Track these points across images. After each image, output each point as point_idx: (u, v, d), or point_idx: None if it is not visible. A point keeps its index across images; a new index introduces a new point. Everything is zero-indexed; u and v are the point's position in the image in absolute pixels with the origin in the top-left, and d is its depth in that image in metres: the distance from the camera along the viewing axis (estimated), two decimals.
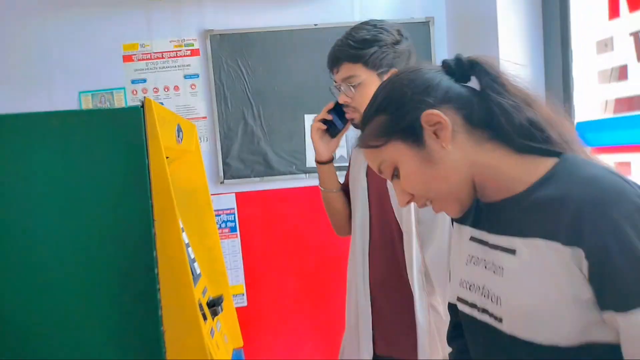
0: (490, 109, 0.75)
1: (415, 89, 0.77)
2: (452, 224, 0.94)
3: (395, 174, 0.80)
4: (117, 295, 0.86)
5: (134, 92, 2.16)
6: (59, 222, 0.86)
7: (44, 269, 0.87)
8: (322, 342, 2.21)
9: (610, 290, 0.64)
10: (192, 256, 1.35)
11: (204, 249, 1.38)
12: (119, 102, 2.13)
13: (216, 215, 2.24)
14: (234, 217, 2.26)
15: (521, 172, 0.74)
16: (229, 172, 2.23)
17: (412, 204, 1.23)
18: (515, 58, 1.85)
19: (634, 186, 0.66)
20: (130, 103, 2.14)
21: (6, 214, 0.86)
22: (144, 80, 2.16)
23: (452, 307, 0.93)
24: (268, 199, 2.26)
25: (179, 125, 1.13)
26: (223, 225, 2.26)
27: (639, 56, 1.46)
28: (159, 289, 0.86)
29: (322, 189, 1.49)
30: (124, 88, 2.15)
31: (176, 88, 2.19)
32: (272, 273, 2.28)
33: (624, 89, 1.55)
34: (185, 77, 2.19)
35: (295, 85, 2.22)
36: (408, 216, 1.25)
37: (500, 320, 0.76)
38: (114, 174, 0.85)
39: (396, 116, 0.77)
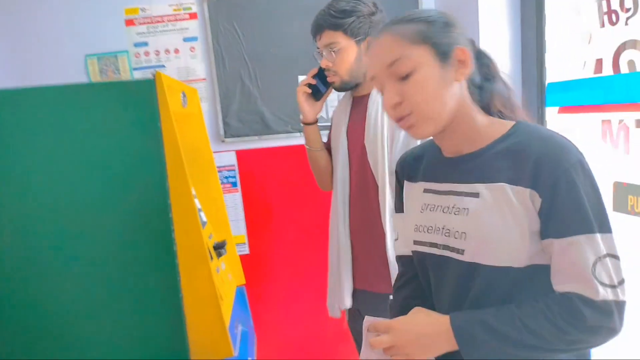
0: (482, 84, 0.94)
1: (459, 30, 0.91)
2: (403, 185, 1.07)
3: (404, 76, 0.88)
4: (137, 236, 1.05)
5: (137, 55, 2.28)
6: (85, 183, 1.03)
7: (74, 225, 1.05)
8: (315, 283, 2.44)
9: (553, 220, 0.83)
10: (199, 206, 1.53)
11: (208, 200, 1.57)
12: (122, 64, 2.27)
13: (219, 172, 2.42)
14: (235, 173, 2.44)
15: (487, 130, 0.92)
16: (229, 131, 2.39)
17: (386, 163, 1.41)
18: (494, 23, 1.97)
19: (573, 144, 0.85)
20: (134, 65, 2.27)
21: (34, 183, 1.02)
22: (146, 44, 2.28)
23: (400, 259, 1.09)
24: (266, 156, 2.43)
25: (183, 92, 1.28)
26: (225, 180, 2.43)
27: (601, 23, 1.60)
28: (174, 230, 1.05)
29: (307, 147, 1.66)
30: (127, 51, 2.27)
31: (176, 51, 2.31)
32: (271, 224, 2.47)
33: (591, 52, 1.68)
34: (185, 39, 2.31)
35: (289, 48, 2.34)
36: (383, 170, 1.43)
37: (461, 252, 0.91)
38: (133, 138, 1.02)
39: (441, 32, 0.88)
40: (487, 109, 0.95)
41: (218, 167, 2.40)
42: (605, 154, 1.63)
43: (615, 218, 1.58)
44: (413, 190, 1.02)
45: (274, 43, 2.34)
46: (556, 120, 1.88)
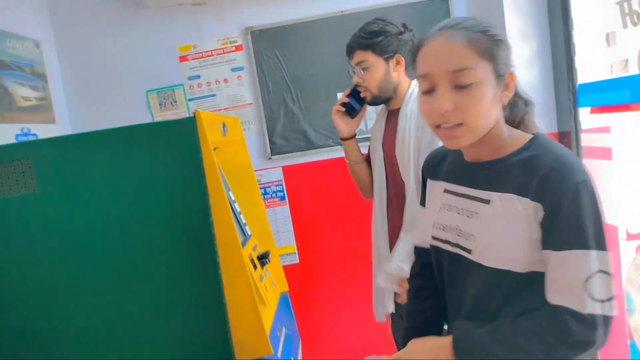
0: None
1: (511, 54, 0.96)
2: (426, 182, 1.17)
3: (463, 86, 0.90)
4: (186, 253, 1.24)
5: (191, 87, 2.54)
6: (140, 212, 1.23)
7: (132, 246, 1.24)
8: (363, 290, 2.54)
9: (553, 233, 0.89)
10: (244, 221, 1.72)
11: (253, 215, 1.75)
12: (179, 96, 2.53)
13: (267, 187, 2.61)
14: (282, 187, 2.61)
15: (510, 140, 0.98)
16: (275, 149, 2.58)
17: (411, 172, 1.52)
18: (521, 28, 2.01)
19: (582, 165, 0.91)
20: (189, 97, 2.53)
21: (99, 215, 1.22)
22: (198, 77, 2.53)
23: (417, 250, 1.21)
24: (310, 170, 2.59)
25: (223, 123, 1.47)
26: (274, 195, 2.62)
27: (623, 23, 1.61)
28: (216, 244, 1.22)
29: (347, 161, 1.80)
30: (182, 85, 2.53)
31: (225, 80, 2.54)
32: (318, 234, 2.62)
33: (615, 54, 1.69)
34: (232, 70, 2.53)
35: (327, 68, 2.50)
36: (408, 179, 1.54)
37: (470, 251, 1.01)
38: (179, 168, 1.21)
39: (505, 54, 0.93)
40: (509, 120, 1.01)
41: (266, 182, 2.60)
42: None
43: None
44: (434, 188, 1.12)
45: (312, 65, 2.51)
46: (589, 120, 1.89)
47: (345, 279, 2.60)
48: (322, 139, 2.57)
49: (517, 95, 1.02)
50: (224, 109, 2.54)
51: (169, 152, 1.21)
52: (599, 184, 1.91)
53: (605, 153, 1.94)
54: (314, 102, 2.54)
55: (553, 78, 2.04)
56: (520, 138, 0.98)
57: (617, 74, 1.68)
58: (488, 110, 0.92)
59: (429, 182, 1.15)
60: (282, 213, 2.63)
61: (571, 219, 0.86)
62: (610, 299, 0.86)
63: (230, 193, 1.70)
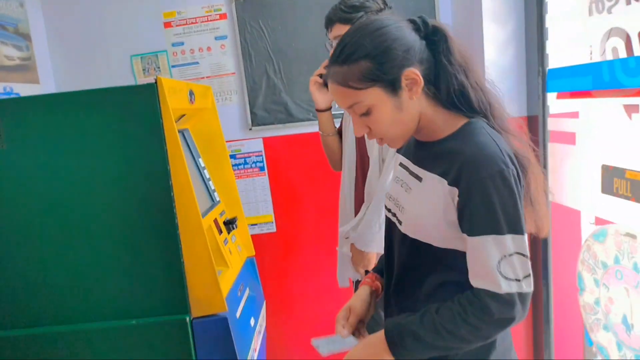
0: (438, 73, 0.97)
1: (401, 47, 0.92)
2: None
3: (365, 113, 0.95)
4: (146, 213, 1.30)
5: (175, 54, 2.56)
6: (100, 172, 1.29)
7: (90, 211, 1.31)
8: (334, 260, 2.63)
9: (466, 220, 0.95)
10: (213, 187, 1.78)
11: (222, 182, 1.81)
12: (162, 63, 2.56)
13: (247, 157, 2.67)
14: (262, 158, 2.66)
15: (443, 125, 1.02)
16: (256, 120, 2.62)
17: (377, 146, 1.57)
18: (497, 10, 2.03)
19: (504, 155, 0.93)
20: (172, 63, 2.56)
21: (47, 182, 1.28)
22: (182, 43, 2.55)
23: None
24: (290, 142, 2.63)
25: (190, 90, 1.52)
26: (253, 165, 2.67)
27: (589, 11, 1.64)
28: (175, 206, 1.29)
29: (321, 133, 1.85)
30: (166, 51, 2.56)
31: (209, 49, 2.56)
32: (296, 205, 2.69)
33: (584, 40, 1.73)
34: (216, 38, 2.55)
35: (311, 42, 2.51)
36: (372, 152, 1.61)
37: (401, 223, 1.09)
38: (140, 132, 1.27)
39: (384, 68, 0.91)
40: (453, 99, 1.00)
41: (247, 152, 2.65)
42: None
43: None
44: (396, 160, 1.19)
45: (295, 38, 2.52)
46: (560, 105, 1.94)
47: (319, 249, 2.69)
48: (303, 112, 2.61)
49: (457, 66, 0.98)
50: (207, 77, 2.57)
51: (131, 116, 1.26)
52: (562, 168, 1.97)
53: (569, 138, 2.00)
54: (296, 75, 2.57)
55: (525, 62, 2.08)
56: (454, 123, 1.01)
57: (585, 60, 1.72)
58: (397, 119, 0.96)
59: (395, 155, 1.22)
60: (261, 183, 2.69)
61: (481, 206, 0.90)
62: (526, 277, 0.92)
63: (200, 160, 1.76)
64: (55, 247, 1.32)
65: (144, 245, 1.32)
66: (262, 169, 2.67)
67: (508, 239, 0.91)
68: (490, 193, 0.90)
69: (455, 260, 0.99)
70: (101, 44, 2.54)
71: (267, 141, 2.63)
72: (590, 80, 1.69)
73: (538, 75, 2.02)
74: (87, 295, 1.34)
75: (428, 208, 1.00)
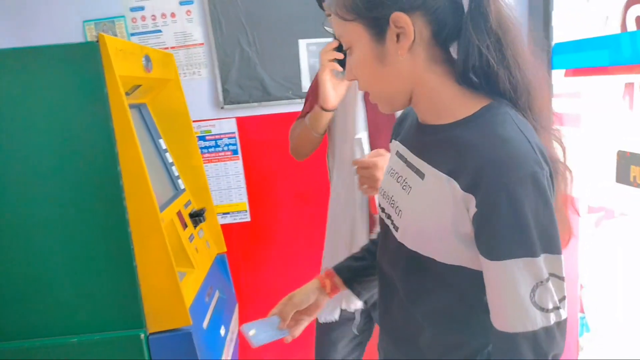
0: (460, 38, 0.75)
1: None
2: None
3: (349, 50, 0.81)
4: (88, 204, 1.05)
5: (134, 20, 2.25)
6: (31, 148, 1.03)
7: (20, 191, 1.05)
8: (315, 249, 2.43)
9: (486, 239, 0.72)
10: (176, 174, 1.53)
11: (187, 168, 1.55)
12: (120, 30, 2.25)
13: (218, 139, 2.41)
14: (236, 140, 2.41)
15: (454, 105, 0.78)
16: (229, 98, 2.35)
17: None
18: None
19: (537, 153, 0.71)
20: (131, 31, 2.25)
21: None
22: (142, 8, 2.24)
23: None
24: (267, 123, 2.39)
25: (146, 55, 1.25)
26: (225, 148, 2.42)
27: None
28: (124, 198, 1.04)
29: (314, 133, 1.44)
30: (124, 17, 2.25)
31: (173, 15, 2.26)
32: (272, 191, 2.46)
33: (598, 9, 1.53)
34: (181, 3, 2.25)
35: (288, 10, 2.25)
36: None
37: (397, 229, 0.87)
38: (79, 103, 1.00)
39: (369, 2, 0.75)
40: (472, 73, 0.76)
41: (218, 134, 2.39)
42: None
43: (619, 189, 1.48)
44: (393, 148, 0.97)
45: (271, 5, 2.25)
46: (561, 84, 1.75)
47: (297, 238, 2.47)
48: (281, 89, 2.35)
49: (490, 34, 0.74)
50: (171, 47, 2.28)
51: (67, 84, 1.00)
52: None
53: (574, 120, 1.82)
54: (272, 47, 2.30)
55: (527, 34, 1.88)
56: (469, 104, 0.78)
57: (597, 32, 1.53)
58: (378, 73, 0.79)
59: (392, 143, 1.00)
60: (234, 168, 2.44)
61: (510, 222, 0.70)
62: (562, 300, 0.73)
63: (161, 141, 1.50)
64: None
65: (88, 247, 1.07)
66: (235, 152, 2.42)
67: (543, 261, 0.70)
68: (521, 203, 0.68)
69: (463, 280, 0.79)
70: (50, 8, 2.21)
71: (241, 121, 2.38)
72: (606, 55, 1.50)
73: (542, 51, 1.82)
74: (20, 305, 1.08)
75: (432, 215, 0.78)
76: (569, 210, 0.87)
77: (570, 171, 0.84)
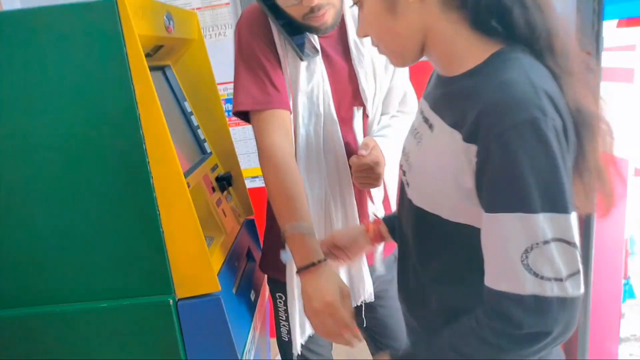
0: None
1: None
2: None
3: (360, 4, 0.80)
4: (111, 170, 1.02)
5: None
6: (48, 112, 0.99)
7: (40, 160, 1.02)
8: None
9: (484, 190, 0.69)
10: (202, 137, 1.49)
11: (213, 131, 1.51)
12: None
13: None
14: None
15: (466, 53, 0.75)
16: None
17: None
18: None
19: (542, 98, 0.65)
20: None
21: None
22: None
23: None
24: None
25: (168, 13, 1.19)
26: None
27: None
28: (148, 162, 1.01)
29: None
30: None
31: None
32: None
33: None
34: None
35: None
36: None
37: (408, 184, 0.86)
38: (95, 65, 0.96)
39: None
40: (477, 19, 0.72)
41: None
42: None
43: None
44: (418, 108, 0.93)
45: None
46: (613, 37, 1.60)
47: None
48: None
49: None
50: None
51: (86, 45, 0.96)
52: (616, 111, 1.67)
53: (626, 75, 1.68)
54: None
55: None
56: (479, 52, 0.74)
57: None
58: (391, 29, 0.77)
59: (420, 101, 0.95)
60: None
61: (503, 171, 0.65)
62: (573, 275, 0.65)
63: (186, 104, 1.46)
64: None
65: (114, 212, 1.05)
66: None
67: (542, 220, 0.64)
68: (515, 152, 0.64)
69: (470, 240, 0.74)
70: None
71: None
72: None
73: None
74: (50, 270, 1.08)
75: (436, 169, 0.76)
76: (611, 171, 0.79)
77: (609, 126, 0.76)
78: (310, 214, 1.11)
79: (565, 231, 0.65)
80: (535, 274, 0.64)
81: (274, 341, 1.49)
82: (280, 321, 1.41)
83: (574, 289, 0.65)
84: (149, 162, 1.00)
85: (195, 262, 1.08)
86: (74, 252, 1.07)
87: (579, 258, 0.66)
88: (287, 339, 1.39)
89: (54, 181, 1.03)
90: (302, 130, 1.20)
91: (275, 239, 1.25)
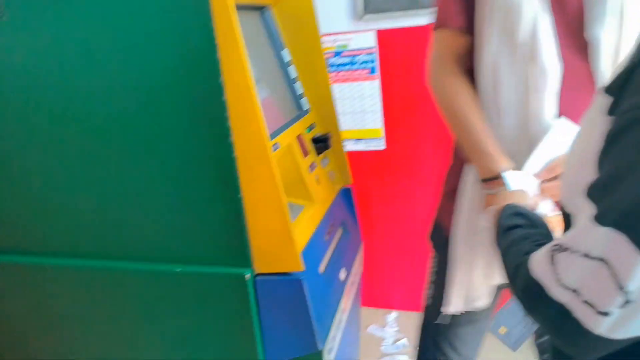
0: None
1: None
2: None
3: None
4: (190, 126, 0.90)
5: None
6: (129, 68, 0.89)
7: (119, 116, 0.94)
8: None
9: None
10: (300, 92, 1.32)
11: (313, 85, 1.33)
12: None
13: (354, 55, 2.14)
14: (374, 57, 2.12)
15: None
16: (370, 6, 2.03)
17: None
18: None
19: None
20: None
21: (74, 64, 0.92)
22: None
23: None
24: (412, 37, 2.04)
25: None
26: (362, 66, 2.15)
27: None
28: (228, 116, 0.86)
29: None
30: None
31: None
32: (412, 118, 2.16)
33: None
34: None
35: None
36: None
37: None
38: (179, 18, 0.83)
39: None
40: None
41: (354, 49, 2.12)
42: None
43: None
44: None
45: None
46: None
47: (435, 173, 2.17)
48: None
49: None
50: None
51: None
52: None
53: None
54: None
55: None
56: None
57: None
58: None
59: None
60: (371, 89, 2.18)
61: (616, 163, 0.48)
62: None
63: (284, 52, 1.29)
64: (72, 160, 0.99)
65: (190, 171, 0.94)
66: (372, 70, 2.14)
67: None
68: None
69: None
70: None
71: (382, 35, 2.06)
72: None
73: None
74: (128, 229, 1.02)
75: (578, 150, 0.59)
76: None
77: None
78: None
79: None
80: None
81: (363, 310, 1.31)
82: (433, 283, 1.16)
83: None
84: (227, 117, 0.86)
85: (277, 238, 0.93)
86: (147, 209, 0.99)
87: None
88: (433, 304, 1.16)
89: (128, 133, 0.94)
90: None
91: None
